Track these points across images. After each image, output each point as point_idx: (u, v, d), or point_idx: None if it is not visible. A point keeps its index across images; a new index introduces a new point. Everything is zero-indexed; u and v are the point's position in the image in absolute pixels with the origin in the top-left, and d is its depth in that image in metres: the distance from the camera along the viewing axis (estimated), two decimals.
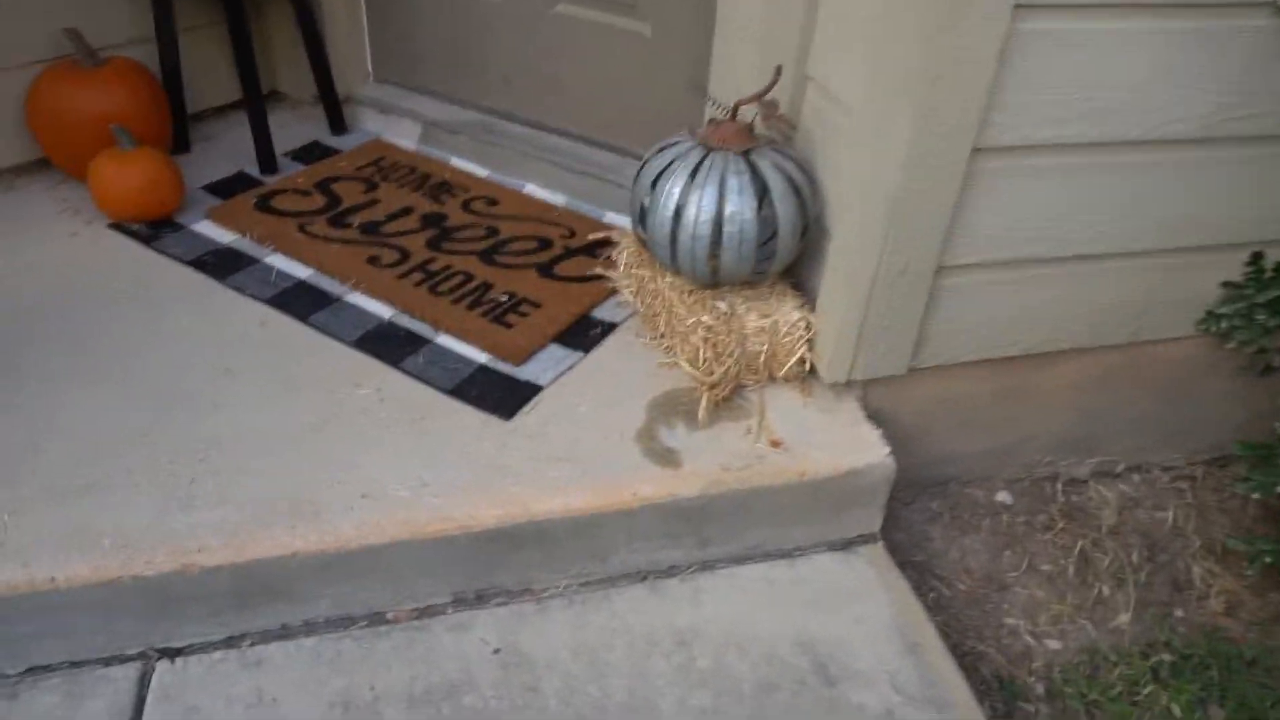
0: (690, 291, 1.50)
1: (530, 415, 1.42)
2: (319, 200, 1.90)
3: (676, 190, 1.38)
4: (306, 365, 1.49)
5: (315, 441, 1.35)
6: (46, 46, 1.85)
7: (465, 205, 1.92)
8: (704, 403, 1.43)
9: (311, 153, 2.12)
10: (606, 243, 1.80)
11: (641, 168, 1.46)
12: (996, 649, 1.40)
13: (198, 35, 2.08)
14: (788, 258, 1.43)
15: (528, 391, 1.46)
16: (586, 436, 1.39)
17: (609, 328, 1.61)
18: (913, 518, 1.60)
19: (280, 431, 1.36)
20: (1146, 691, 1.35)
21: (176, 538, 1.20)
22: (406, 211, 1.88)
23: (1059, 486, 1.69)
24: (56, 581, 1.15)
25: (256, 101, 1.97)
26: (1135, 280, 1.48)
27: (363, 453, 1.34)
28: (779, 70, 1.34)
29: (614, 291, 1.68)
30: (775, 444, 1.41)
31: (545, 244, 1.81)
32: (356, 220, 1.84)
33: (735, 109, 1.41)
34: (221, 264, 1.70)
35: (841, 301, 1.38)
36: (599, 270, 1.72)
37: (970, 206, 1.30)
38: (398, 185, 1.97)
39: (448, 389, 1.45)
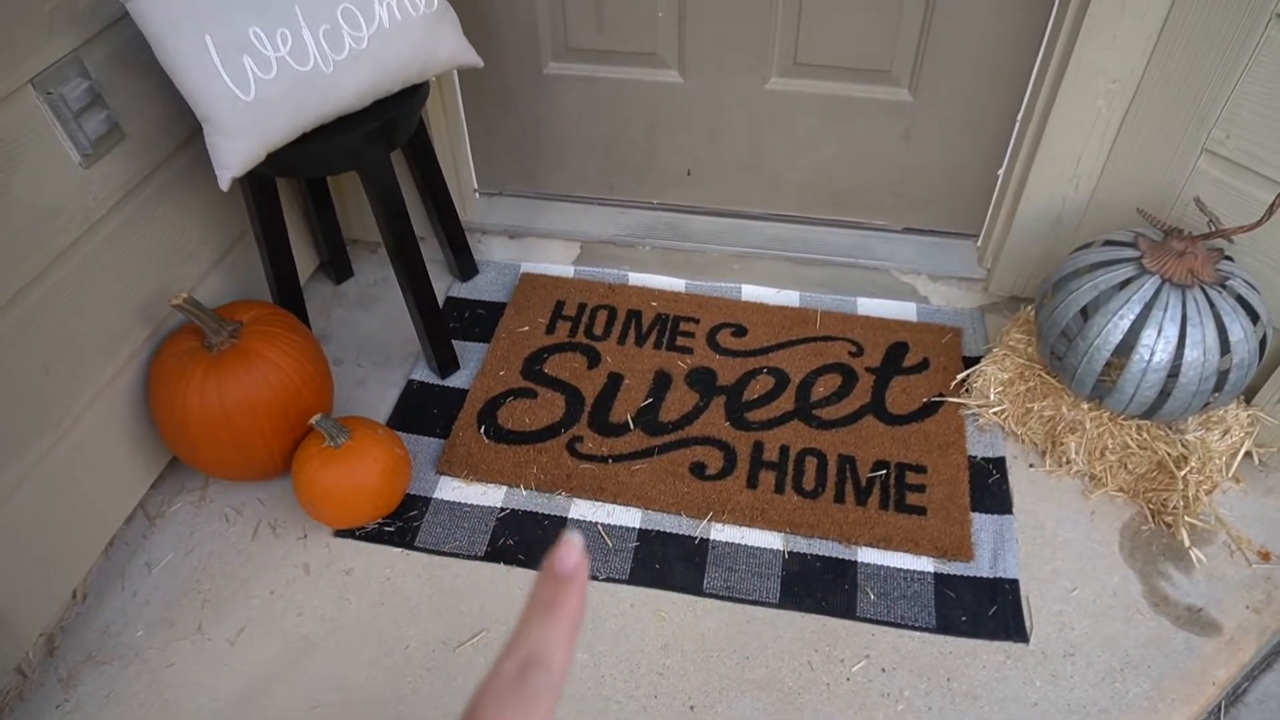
0: (1112, 416, 1.34)
1: (1036, 623, 1.25)
2: (555, 400, 1.52)
3: (1161, 346, 1.19)
4: (762, 661, 1.22)
5: None
6: (143, 324, 1.31)
7: (712, 343, 1.61)
8: (1185, 538, 1.32)
9: (461, 319, 1.68)
10: (903, 347, 1.58)
11: (1044, 298, 1.26)
12: None
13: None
14: None
15: (1009, 592, 1.28)
16: (1109, 628, 1.24)
17: (999, 466, 1.43)
18: None
19: None
20: None
21: None
22: (664, 381, 1.54)
23: None
24: None
25: (422, 283, 1.46)
26: None
27: None
28: None
29: (963, 415, 1.48)
30: (1265, 556, 1.33)
31: (849, 376, 1.55)
32: (625, 415, 1.49)
33: (1205, 236, 1.21)
34: (525, 541, 1.34)
35: None
36: (956, 399, 1.50)
37: None
38: (616, 343, 1.61)
39: (933, 626, 1.24)
